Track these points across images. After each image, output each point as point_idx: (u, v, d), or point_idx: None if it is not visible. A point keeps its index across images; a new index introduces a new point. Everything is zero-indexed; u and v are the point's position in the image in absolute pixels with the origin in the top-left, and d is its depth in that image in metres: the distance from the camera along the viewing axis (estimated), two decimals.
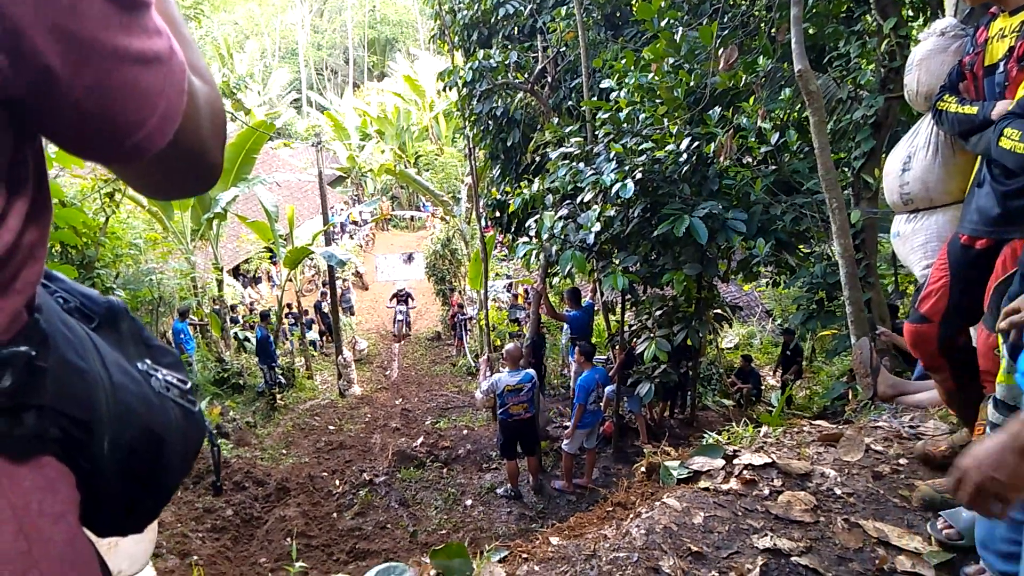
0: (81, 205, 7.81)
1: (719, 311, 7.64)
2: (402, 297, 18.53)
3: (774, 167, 6.19)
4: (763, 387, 11.46)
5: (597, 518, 2.49)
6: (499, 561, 2.10)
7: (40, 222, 0.61)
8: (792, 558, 1.99)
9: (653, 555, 2.02)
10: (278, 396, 12.52)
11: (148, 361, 0.83)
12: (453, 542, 1.92)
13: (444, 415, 11.65)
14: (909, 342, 2.22)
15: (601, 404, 7.27)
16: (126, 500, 0.77)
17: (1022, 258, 1.76)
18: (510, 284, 19.52)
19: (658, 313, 7.34)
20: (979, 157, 2.10)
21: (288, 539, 6.39)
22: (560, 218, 6.40)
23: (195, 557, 5.74)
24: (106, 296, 0.85)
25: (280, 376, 12.71)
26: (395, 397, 13.41)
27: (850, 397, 5.22)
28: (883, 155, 5.38)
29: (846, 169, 5.74)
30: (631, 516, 2.27)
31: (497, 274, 19.50)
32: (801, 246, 6.73)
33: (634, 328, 7.75)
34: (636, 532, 2.12)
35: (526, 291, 16.48)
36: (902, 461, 2.43)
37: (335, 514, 7.18)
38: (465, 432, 9.24)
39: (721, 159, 5.59)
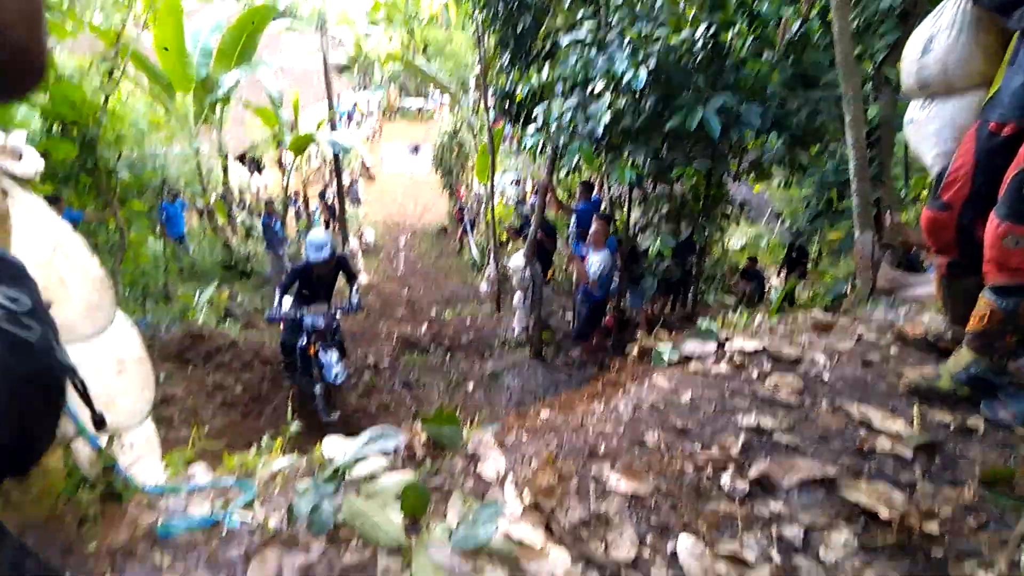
0: (79, 82, 7.60)
1: (726, 210, 7.56)
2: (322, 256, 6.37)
3: (793, 60, 5.93)
4: (767, 288, 11.53)
5: (588, 395, 2.55)
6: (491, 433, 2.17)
7: None
8: (774, 436, 2.04)
9: (639, 429, 2.07)
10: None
11: None
12: (445, 409, 1.97)
13: (449, 306, 11.81)
14: (926, 229, 2.20)
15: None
16: None
17: None
18: (517, 180, 19.28)
19: (665, 210, 7.27)
20: (1014, 37, 1.99)
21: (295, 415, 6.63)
22: (569, 108, 6.21)
23: (206, 428, 5.98)
24: None
25: (288, 262, 12.83)
26: (401, 288, 13.56)
27: (848, 292, 5.23)
28: None
29: (868, 61, 5.49)
30: (620, 393, 2.33)
31: (504, 169, 19.21)
32: (814, 146, 6.56)
33: (640, 224, 7.71)
34: (623, 408, 2.18)
35: (535, 186, 16.30)
36: (893, 351, 2.45)
37: (340, 395, 7.42)
38: (468, 322, 9.39)
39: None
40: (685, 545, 1.68)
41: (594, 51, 6.23)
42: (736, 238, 15.19)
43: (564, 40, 6.65)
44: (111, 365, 1.71)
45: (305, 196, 16.77)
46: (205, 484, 1.85)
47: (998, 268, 1.96)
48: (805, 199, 7.53)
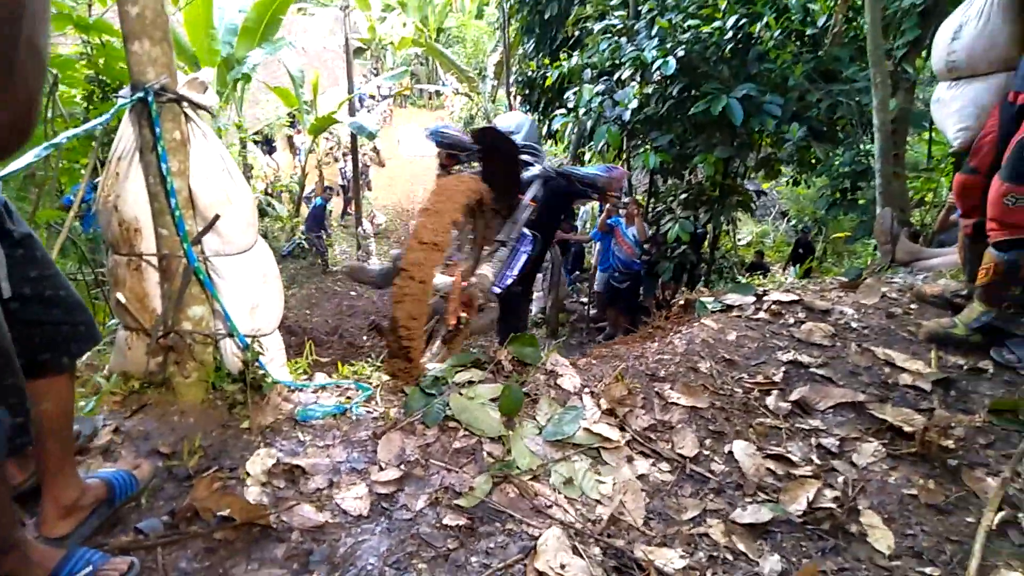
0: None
1: (741, 198, 7.82)
2: None
3: (815, 54, 6.20)
4: None
5: (640, 338, 2.85)
6: None
7: None
8: (811, 369, 2.34)
9: (692, 359, 2.37)
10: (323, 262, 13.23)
11: None
12: (527, 334, 2.27)
13: None
14: (956, 192, 2.49)
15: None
16: None
17: None
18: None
19: (683, 196, 7.54)
20: None
21: None
22: (597, 93, 6.49)
23: None
24: None
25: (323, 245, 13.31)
26: None
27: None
28: (926, 45, 5.42)
29: (888, 57, 5.77)
30: (671, 333, 2.62)
31: None
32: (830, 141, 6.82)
33: (658, 210, 7.98)
34: (678, 342, 2.47)
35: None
36: (913, 306, 2.75)
37: (365, 363, 7.70)
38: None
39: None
40: (739, 447, 1.98)
41: (624, 39, 6.51)
42: (742, 235, 15.44)
43: (596, 27, 6.92)
44: (259, 276, 1.98)
45: (321, 177, 16.95)
46: (330, 383, 2.15)
47: (999, 225, 2.25)
48: (820, 190, 7.79)
